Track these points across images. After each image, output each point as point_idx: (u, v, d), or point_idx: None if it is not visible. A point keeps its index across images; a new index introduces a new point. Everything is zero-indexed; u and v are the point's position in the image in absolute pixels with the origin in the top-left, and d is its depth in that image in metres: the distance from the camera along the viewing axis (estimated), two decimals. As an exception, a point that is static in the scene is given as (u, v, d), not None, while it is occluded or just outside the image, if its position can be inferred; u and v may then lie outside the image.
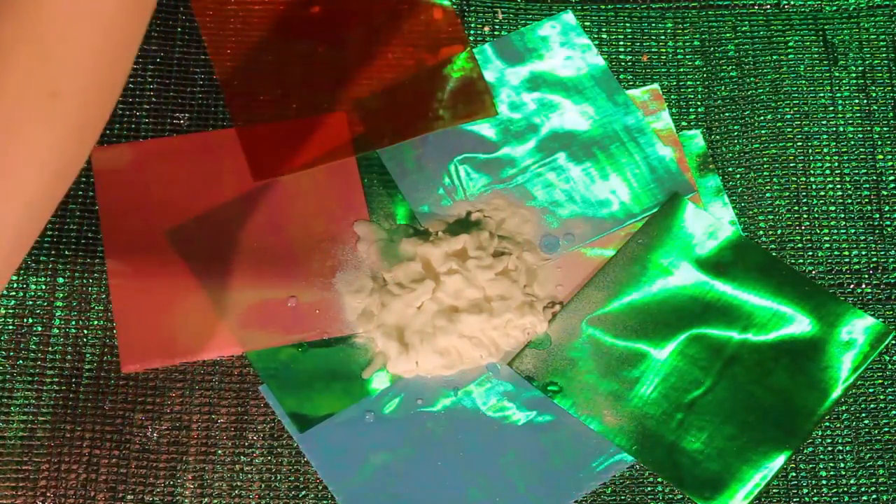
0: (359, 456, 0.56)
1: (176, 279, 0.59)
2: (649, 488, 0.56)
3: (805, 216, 0.62)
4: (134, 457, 0.57)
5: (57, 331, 0.59)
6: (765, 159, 0.63)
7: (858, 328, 0.59)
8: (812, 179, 0.63)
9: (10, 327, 0.59)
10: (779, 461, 0.56)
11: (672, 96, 0.64)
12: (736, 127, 0.64)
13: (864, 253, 0.61)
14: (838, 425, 0.58)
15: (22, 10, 0.38)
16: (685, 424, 0.57)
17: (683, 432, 0.57)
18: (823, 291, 0.60)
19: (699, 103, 0.64)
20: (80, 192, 0.61)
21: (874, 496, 0.56)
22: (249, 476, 0.57)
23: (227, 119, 0.63)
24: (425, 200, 0.62)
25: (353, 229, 0.61)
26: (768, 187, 0.62)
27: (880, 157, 0.63)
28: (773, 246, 0.61)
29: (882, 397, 0.58)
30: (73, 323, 0.59)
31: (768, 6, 0.66)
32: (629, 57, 0.65)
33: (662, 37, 0.66)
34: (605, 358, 0.58)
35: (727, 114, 0.64)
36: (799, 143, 0.63)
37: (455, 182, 0.62)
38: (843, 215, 0.62)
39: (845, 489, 0.56)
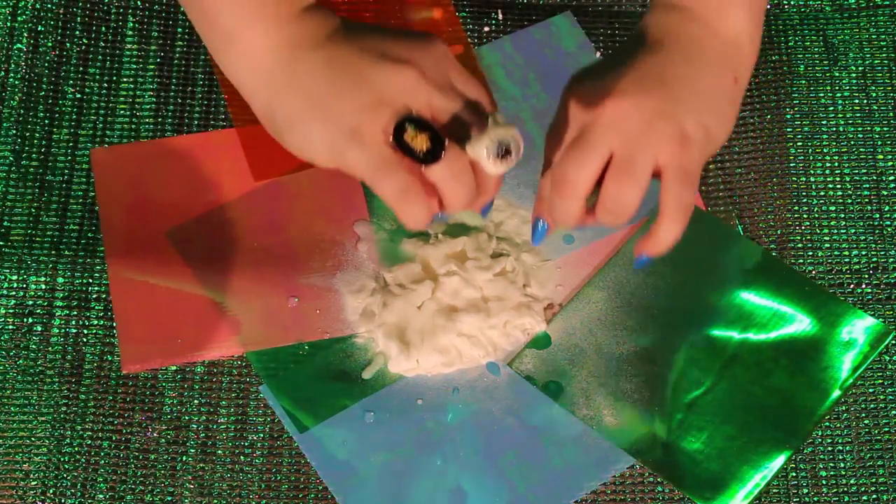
0: (359, 456, 0.56)
1: (176, 279, 0.59)
2: (649, 488, 0.56)
3: (805, 216, 0.62)
4: (134, 457, 0.57)
5: (57, 331, 0.59)
6: (765, 159, 0.63)
7: (858, 328, 0.59)
8: (812, 179, 0.63)
9: (10, 327, 0.59)
10: (779, 461, 0.56)
11: (672, 96, 0.64)
12: (736, 127, 0.64)
13: (864, 253, 0.61)
14: (838, 425, 0.58)
15: None
16: (685, 424, 0.57)
17: (683, 432, 0.57)
18: (823, 291, 0.60)
19: (699, 103, 0.64)
20: (80, 192, 0.61)
21: (874, 496, 0.56)
22: (249, 476, 0.56)
23: (227, 119, 0.63)
24: (425, 200, 0.62)
25: (353, 229, 0.61)
26: (768, 187, 0.62)
27: (880, 157, 0.63)
28: (773, 246, 0.61)
29: (882, 397, 0.58)
30: (73, 323, 0.59)
31: (768, 6, 0.66)
32: (629, 57, 0.65)
33: (662, 37, 0.66)
34: (605, 358, 0.58)
35: (727, 114, 0.64)
36: (799, 143, 0.63)
37: (455, 182, 0.62)
38: (843, 215, 0.62)
39: (845, 489, 0.56)
